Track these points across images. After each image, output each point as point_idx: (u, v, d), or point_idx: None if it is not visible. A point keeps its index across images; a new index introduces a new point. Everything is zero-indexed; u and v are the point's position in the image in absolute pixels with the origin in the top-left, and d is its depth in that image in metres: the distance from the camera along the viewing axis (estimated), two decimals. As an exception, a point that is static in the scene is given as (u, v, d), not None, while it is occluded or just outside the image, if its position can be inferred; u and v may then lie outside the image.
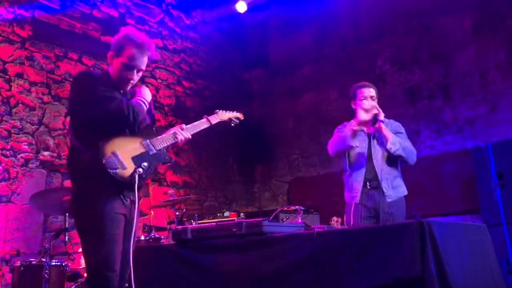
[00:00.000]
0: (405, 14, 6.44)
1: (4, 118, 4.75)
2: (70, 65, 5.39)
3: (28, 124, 4.93)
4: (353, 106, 3.62)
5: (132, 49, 2.54)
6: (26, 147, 4.86)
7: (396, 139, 3.43)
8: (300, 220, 3.64)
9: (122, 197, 2.46)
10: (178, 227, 3.63)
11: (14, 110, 4.84)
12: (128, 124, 2.48)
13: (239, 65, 7.83)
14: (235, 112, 3.24)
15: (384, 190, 3.42)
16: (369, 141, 3.55)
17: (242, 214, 4.39)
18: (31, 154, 4.89)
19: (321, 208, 4.86)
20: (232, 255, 3.17)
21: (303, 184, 7.09)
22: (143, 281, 3.06)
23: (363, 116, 3.44)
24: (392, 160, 3.50)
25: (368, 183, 3.47)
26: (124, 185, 2.42)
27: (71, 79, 5.34)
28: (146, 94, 2.63)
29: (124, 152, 2.45)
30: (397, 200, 3.47)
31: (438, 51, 6.14)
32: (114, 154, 2.41)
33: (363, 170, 3.49)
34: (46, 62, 5.19)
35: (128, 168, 2.43)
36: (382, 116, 3.39)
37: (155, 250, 3.46)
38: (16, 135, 4.81)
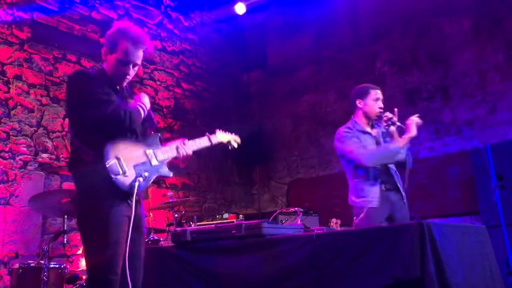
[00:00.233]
0: (404, 16, 6.44)
1: (2, 120, 4.74)
2: (68, 67, 5.38)
3: (27, 126, 4.92)
4: (359, 105, 3.57)
5: (126, 44, 2.47)
6: (25, 149, 4.85)
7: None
8: (299, 222, 3.64)
9: (126, 199, 2.42)
10: (177, 229, 3.62)
11: (12, 112, 4.83)
12: (124, 128, 2.44)
13: (238, 67, 7.84)
14: (233, 135, 3.26)
15: (402, 191, 3.47)
16: (377, 144, 3.56)
17: (241, 216, 4.39)
18: (30, 156, 4.88)
19: (320, 209, 4.85)
20: (232, 257, 3.16)
21: (302, 186, 7.09)
22: (142, 284, 3.04)
23: (414, 131, 3.39)
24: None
25: (384, 186, 3.45)
26: (123, 192, 2.38)
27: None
28: (146, 102, 2.59)
29: (127, 159, 2.42)
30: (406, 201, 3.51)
31: (437, 52, 6.15)
32: (117, 159, 2.37)
33: (378, 173, 3.48)
34: (45, 64, 5.18)
35: (129, 176, 2.39)
36: (396, 120, 3.44)
37: (154, 252, 3.45)
38: (15, 137, 4.80)
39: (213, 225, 3.42)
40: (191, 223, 4.52)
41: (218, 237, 3.27)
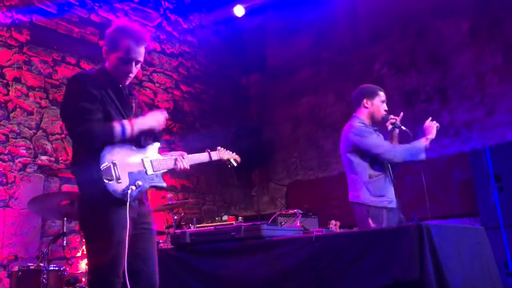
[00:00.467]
0: (402, 17, 6.46)
1: (1, 123, 4.74)
2: (68, 69, 5.39)
3: (26, 129, 4.92)
4: (366, 105, 3.54)
5: (127, 41, 2.44)
6: (24, 151, 4.85)
7: None
8: (298, 224, 3.64)
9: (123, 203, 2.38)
10: (177, 231, 3.62)
11: (12, 115, 4.83)
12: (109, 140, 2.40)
13: (237, 69, 7.85)
14: (234, 154, 3.24)
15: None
16: None
17: (240, 218, 4.40)
18: (29, 159, 4.88)
19: (320, 211, 4.86)
20: (231, 259, 3.17)
21: (301, 188, 7.09)
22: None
23: (434, 133, 3.44)
24: None
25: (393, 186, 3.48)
26: (115, 198, 2.33)
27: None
28: (148, 122, 2.53)
29: (123, 165, 2.38)
30: None
31: (435, 54, 6.16)
32: (113, 164, 2.34)
33: (389, 174, 3.48)
34: (44, 66, 5.19)
35: (123, 182, 2.35)
36: (400, 123, 3.50)
37: (153, 254, 3.44)
38: (14, 140, 4.80)
39: (212, 227, 3.43)
40: (190, 225, 4.53)
41: (218, 239, 3.27)
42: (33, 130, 4.97)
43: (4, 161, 4.68)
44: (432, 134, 3.42)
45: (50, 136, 5.10)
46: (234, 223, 3.68)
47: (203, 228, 3.58)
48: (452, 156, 5.75)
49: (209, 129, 6.90)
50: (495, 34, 5.74)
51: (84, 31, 5.64)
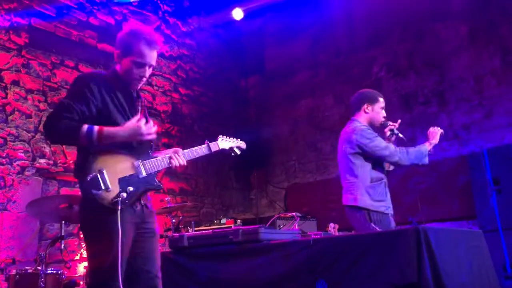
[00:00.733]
0: (400, 20, 6.47)
1: (0, 126, 4.74)
2: (66, 72, 5.39)
3: (24, 132, 4.92)
4: (367, 110, 3.54)
5: (141, 45, 2.43)
6: (22, 154, 4.85)
7: None
8: (297, 227, 3.64)
9: (130, 205, 2.37)
10: (175, 234, 3.62)
11: (10, 118, 4.83)
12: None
13: (235, 72, 7.86)
14: (238, 140, 2.99)
15: None
16: None
17: (239, 221, 4.40)
18: (27, 162, 4.88)
19: (318, 214, 4.87)
20: (229, 262, 3.16)
21: (300, 191, 7.09)
22: None
23: (437, 139, 3.50)
24: None
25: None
26: (107, 206, 2.28)
27: (67, 87, 5.35)
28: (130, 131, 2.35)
29: (112, 172, 2.32)
30: None
31: (434, 57, 6.17)
32: (100, 172, 2.28)
33: (386, 180, 3.49)
34: (43, 69, 5.19)
35: (112, 191, 2.28)
36: (397, 130, 3.55)
37: (151, 258, 3.43)
38: (12, 143, 4.80)
39: (210, 231, 3.43)
40: (188, 228, 4.52)
41: (216, 243, 3.27)
42: (31, 133, 4.97)
43: (2, 164, 4.68)
44: (436, 140, 3.49)
45: (48, 139, 5.09)
46: (232, 227, 3.68)
47: (201, 232, 3.58)
48: (450, 159, 5.76)
49: (207, 132, 6.90)
50: (493, 37, 5.75)
51: (82, 34, 5.65)
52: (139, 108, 2.57)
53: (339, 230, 3.82)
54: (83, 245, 5.17)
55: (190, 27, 7.18)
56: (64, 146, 5.17)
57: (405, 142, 3.50)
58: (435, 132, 3.51)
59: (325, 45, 7.18)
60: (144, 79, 2.52)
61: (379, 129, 3.59)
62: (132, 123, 2.35)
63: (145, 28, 2.54)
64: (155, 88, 6.47)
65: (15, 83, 4.93)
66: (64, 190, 5.05)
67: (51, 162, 5.06)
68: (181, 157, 2.57)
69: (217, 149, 2.84)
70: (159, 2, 6.75)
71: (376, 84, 6.45)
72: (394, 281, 2.46)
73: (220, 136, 2.91)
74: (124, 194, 2.30)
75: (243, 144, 2.99)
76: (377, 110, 3.54)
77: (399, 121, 3.60)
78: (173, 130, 6.53)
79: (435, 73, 6.14)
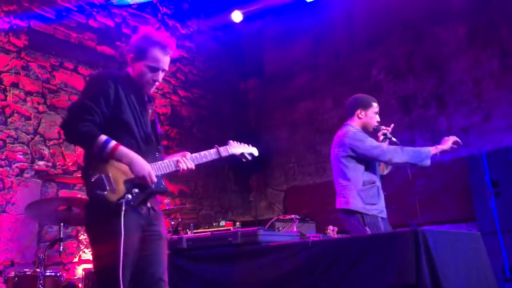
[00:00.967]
0: (400, 23, 6.49)
1: (-1, 128, 4.74)
2: (65, 74, 5.39)
3: (23, 134, 4.92)
4: (360, 115, 3.57)
5: (155, 50, 2.46)
6: (21, 156, 4.85)
7: None
8: (295, 229, 3.65)
9: (136, 207, 2.36)
10: (174, 236, 3.62)
11: (9, 120, 4.83)
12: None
13: (234, 74, 7.86)
14: (250, 146, 2.91)
15: None
16: None
17: (238, 223, 4.40)
18: (26, 164, 4.87)
19: (318, 216, 4.87)
20: (228, 264, 3.16)
21: (299, 193, 7.09)
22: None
23: (448, 146, 3.48)
24: None
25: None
26: (111, 208, 2.27)
27: (66, 89, 5.36)
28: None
29: (118, 173, 2.31)
30: None
31: (433, 60, 6.18)
32: (105, 173, 2.28)
33: (379, 184, 3.49)
34: (42, 71, 5.19)
35: (117, 192, 2.27)
36: (390, 135, 3.55)
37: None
38: (11, 145, 4.80)
39: (209, 233, 3.43)
40: (187, 230, 4.52)
41: (214, 245, 3.27)
42: (30, 135, 4.97)
43: (1, 166, 4.68)
44: (446, 146, 3.46)
45: (47, 141, 5.10)
46: (231, 229, 3.68)
47: (200, 234, 3.58)
48: (449, 162, 5.76)
49: (207, 134, 6.90)
50: (492, 39, 5.77)
51: (82, 36, 5.65)
52: (150, 111, 2.60)
53: (338, 232, 3.83)
54: (81, 247, 5.17)
55: (189, 30, 7.19)
56: (63, 148, 5.18)
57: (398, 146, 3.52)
58: (448, 139, 3.49)
59: (324, 48, 7.19)
60: (157, 83, 2.55)
61: (372, 133, 3.61)
62: (148, 166, 2.34)
63: (159, 33, 2.55)
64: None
65: (15, 85, 4.93)
66: (63, 192, 5.05)
67: (50, 164, 5.06)
68: (189, 160, 2.53)
69: (227, 154, 2.75)
70: (158, 4, 6.76)
71: (376, 87, 6.47)
72: (393, 283, 2.47)
73: (230, 141, 2.82)
74: (129, 196, 2.30)
75: (255, 151, 2.93)
76: (371, 115, 3.56)
77: (392, 125, 3.62)
78: (172, 132, 6.53)
79: (434, 76, 6.15)
